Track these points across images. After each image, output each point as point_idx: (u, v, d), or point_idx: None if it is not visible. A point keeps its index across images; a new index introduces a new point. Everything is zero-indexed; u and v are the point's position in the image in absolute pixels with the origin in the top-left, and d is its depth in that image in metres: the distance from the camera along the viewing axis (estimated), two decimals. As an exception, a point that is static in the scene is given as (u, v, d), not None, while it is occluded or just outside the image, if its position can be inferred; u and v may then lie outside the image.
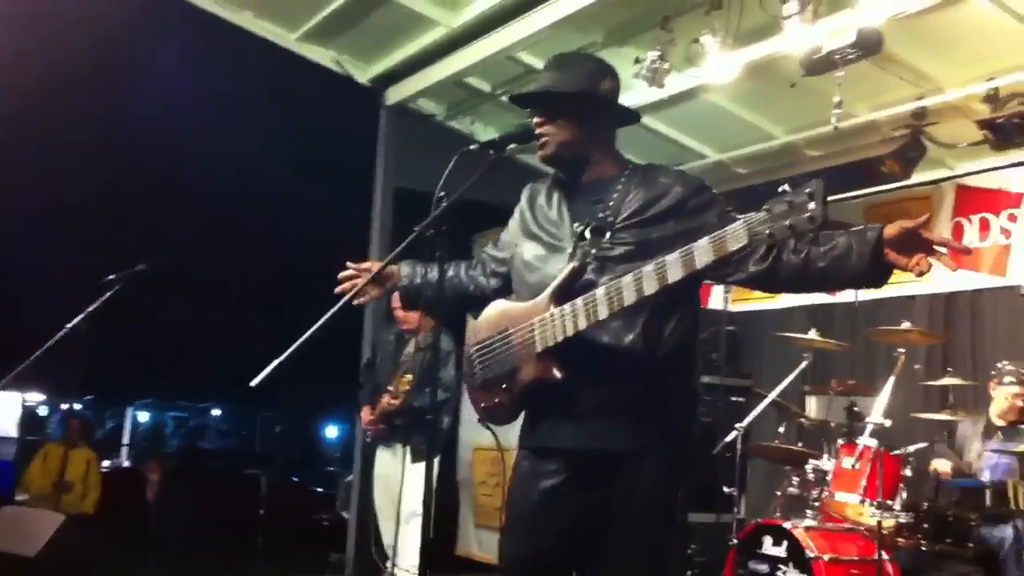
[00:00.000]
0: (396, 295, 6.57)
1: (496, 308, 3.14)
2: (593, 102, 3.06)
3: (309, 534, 10.31)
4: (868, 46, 5.68)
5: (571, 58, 3.26)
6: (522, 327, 2.95)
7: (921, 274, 2.68)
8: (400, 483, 6.40)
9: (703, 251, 2.62)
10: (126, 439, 25.56)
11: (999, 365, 6.09)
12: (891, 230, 2.66)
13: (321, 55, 8.28)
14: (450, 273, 3.32)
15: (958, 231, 7.19)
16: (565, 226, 3.04)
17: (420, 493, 6.17)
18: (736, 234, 2.56)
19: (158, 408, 28.23)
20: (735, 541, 5.89)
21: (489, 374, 3.04)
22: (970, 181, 7.20)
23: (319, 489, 17.27)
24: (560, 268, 2.95)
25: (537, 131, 3.06)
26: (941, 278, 7.17)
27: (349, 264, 3.42)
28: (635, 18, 6.63)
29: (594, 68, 3.13)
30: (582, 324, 2.81)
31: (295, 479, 17.16)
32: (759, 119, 7.72)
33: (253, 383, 2.82)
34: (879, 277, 2.71)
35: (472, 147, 3.19)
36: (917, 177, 7.07)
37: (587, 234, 2.97)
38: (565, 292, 2.89)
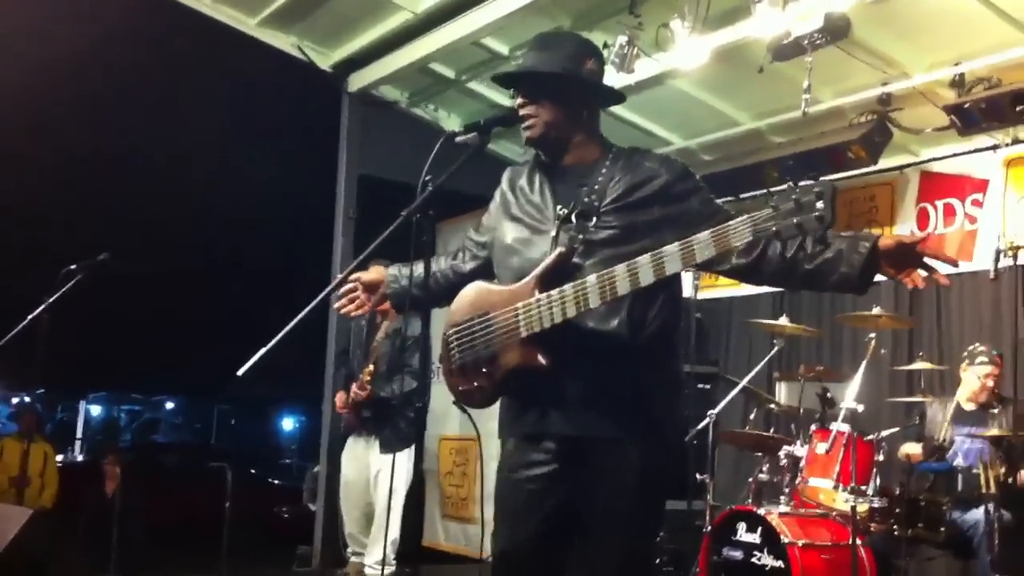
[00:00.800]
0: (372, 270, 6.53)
1: (475, 290, 3.08)
2: (578, 82, 3.02)
3: (275, 527, 10.23)
4: (836, 31, 5.69)
5: (555, 37, 3.22)
6: (505, 311, 2.89)
7: (914, 285, 2.70)
8: (372, 474, 6.35)
9: (704, 245, 2.59)
10: (79, 433, 25.22)
11: (971, 347, 6.13)
12: (886, 243, 2.67)
13: (281, 41, 8.15)
14: (433, 268, 3.25)
15: (923, 217, 7.23)
16: (548, 209, 2.99)
17: (392, 484, 6.18)
18: (740, 230, 2.53)
19: (111, 401, 27.86)
20: (709, 528, 5.88)
21: (468, 357, 2.98)
22: (934, 167, 7.24)
23: (276, 482, 17.18)
24: (543, 251, 2.91)
25: (521, 112, 3.01)
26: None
27: (338, 276, 3.38)
28: (602, 2, 6.60)
29: (578, 48, 3.09)
30: (571, 312, 2.77)
31: (253, 472, 17.03)
32: (725, 105, 7.72)
33: (240, 372, 2.78)
34: (864, 286, 2.73)
35: (457, 130, 3.12)
36: (882, 163, 7.09)
37: (573, 218, 2.92)
38: (551, 277, 2.84)
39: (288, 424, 30.56)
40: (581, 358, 2.83)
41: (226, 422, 29.47)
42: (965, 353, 6.14)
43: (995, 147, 6.79)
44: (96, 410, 27.62)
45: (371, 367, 6.24)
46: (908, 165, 7.38)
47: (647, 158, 3.01)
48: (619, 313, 2.82)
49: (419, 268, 3.17)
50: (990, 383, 5.97)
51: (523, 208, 3.06)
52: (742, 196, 7.55)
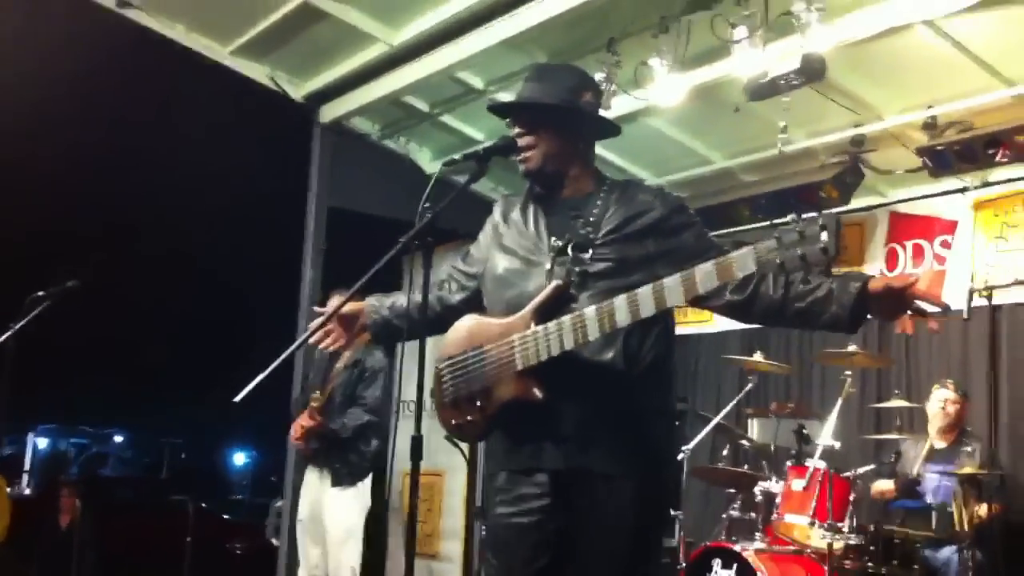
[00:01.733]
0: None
1: (469, 323, 3.06)
2: (576, 114, 3.03)
3: (230, 562, 10.03)
4: (812, 72, 5.74)
5: (554, 69, 3.25)
6: (500, 344, 2.87)
7: (903, 330, 2.74)
8: (323, 509, 6.24)
9: (706, 275, 2.60)
10: (27, 466, 24.65)
11: (935, 384, 6.25)
12: (876, 284, 2.69)
13: (255, 70, 8.09)
14: (415, 299, 3.21)
15: (892, 257, 7.33)
16: (543, 241, 2.98)
17: (345, 518, 6.10)
18: (743, 261, 2.54)
19: (59, 434, 27.27)
20: (683, 564, 5.86)
21: (461, 391, 2.96)
22: (904, 208, 7.35)
23: (226, 516, 16.89)
24: (538, 284, 2.90)
25: (519, 142, 3.01)
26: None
27: (316, 309, 3.35)
28: (580, 40, 6.60)
29: (577, 80, 3.11)
30: (568, 344, 2.76)
31: (204, 506, 16.74)
32: (698, 144, 7.77)
33: (237, 399, 2.72)
34: (855, 326, 2.75)
35: (456, 157, 3.11)
36: (851, 204, 7.18)
37: (568, 250, 2.91)
38: (547, 309, 2.83)
39: (240, 459, 30.08)
40: (576, 391, 2.81)
41: (176, 457, 28.96)
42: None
43: (964, 189, 6.91)
44: (43, 443, 27.04)
45: (318, 395, 6.12)
46: (878, 206, 7.48)
47: (642, 191, 3.03)
48: (614, 345, 2.81)
49: (401, 299, 3.15)
50: (950, 409, 6.06)
51: (516, 240, 3.05)
52: (711, 234, 7.59)
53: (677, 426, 3.11)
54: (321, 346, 3.37)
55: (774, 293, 2.78)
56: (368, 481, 6.30)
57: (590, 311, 2.73)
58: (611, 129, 3.24)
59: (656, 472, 2.90)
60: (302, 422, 6.15)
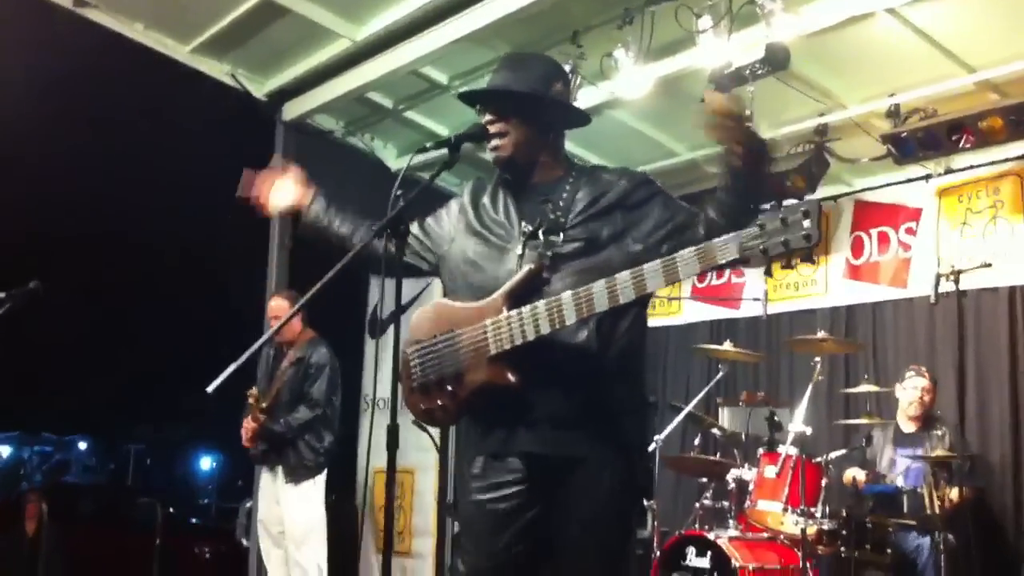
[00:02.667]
0: (271, 305, 6.39)
1: (437, 307, 3.04)
2: (546, 103, 3.03)
3: (199, 567, 9.94)
4: (776, 62, 5.76)
5: (526, 58, 3.24)
6: (472, 328, 2.86)
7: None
8: (279, 506, 6.21)
9: (688, 262, 2.60)
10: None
11: (906, 370, 6.28)
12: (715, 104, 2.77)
13: (215, 69, 8.00)
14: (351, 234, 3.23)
15: (858, 245, 7.39)
16: (514, 226, 2.98)
17: (302, 516, 6.07)
18: (725, 248, 2.54)
19: (21, 442, 26.96)
20: (658, 554, 5.86)
21: (431, 376, 2.93)
22: (868, 196, 7.42)
23: (196, 521, 16.78)
24: (508, 268, 2.90)
25: (490, 130, 3.00)
26: (842, 292, 7.37)
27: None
28: (544, 33, 6.58)
29: (548, 69, 3.12)
30: (545, 329, 2.75)
31: (171, 511, 16.61)
32: (662, 136, 7.79)
33: (209, 389, 2.69)
34: (756, 166, 2.76)
35: (428, 145, 3.08)
36: (816, 193, 7.21)
37: (540, 234, 2.91)
38: (520, 294, 2.82)
39: (206, 464, 29.89)
40: (548, 373, 2.80)
41: (142, 463, 28.73)
42: (901, 377, 6.30)
43: (927, 177, 6.98)
44: (5, 451, 26.73)
45: (256, 392, 6.10)
46: (843, 195, 7.55)
47: (607, 171, 3.07)
48: (587, 327, 2.81)
49: (344, 226, 3.16)
50: (926, 397, 6.12)
51: (485, 224, 3.05)
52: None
53: (650, 414, 3.09)
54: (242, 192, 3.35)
55: (719, 218, 2.79)
56: (323, 477, 6.27)
57: (567, 296, 2.71)
58: (581, 118, 3.24)
59: (629, 457, 2.89)
60: (246, 424, 6.14)
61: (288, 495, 6.14)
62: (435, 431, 3.04)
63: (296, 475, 6.10)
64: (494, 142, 3.00)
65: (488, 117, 3.02)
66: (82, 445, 28.89)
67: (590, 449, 2.81)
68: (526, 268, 2.84)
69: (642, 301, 2.88)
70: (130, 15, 7.52)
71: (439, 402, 2.92)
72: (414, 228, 3.22)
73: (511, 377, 2.78)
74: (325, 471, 6.27)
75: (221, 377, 2.74)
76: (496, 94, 3.05)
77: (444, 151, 3.01)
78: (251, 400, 6.07)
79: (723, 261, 2.57)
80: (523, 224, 2.96)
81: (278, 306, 6.28)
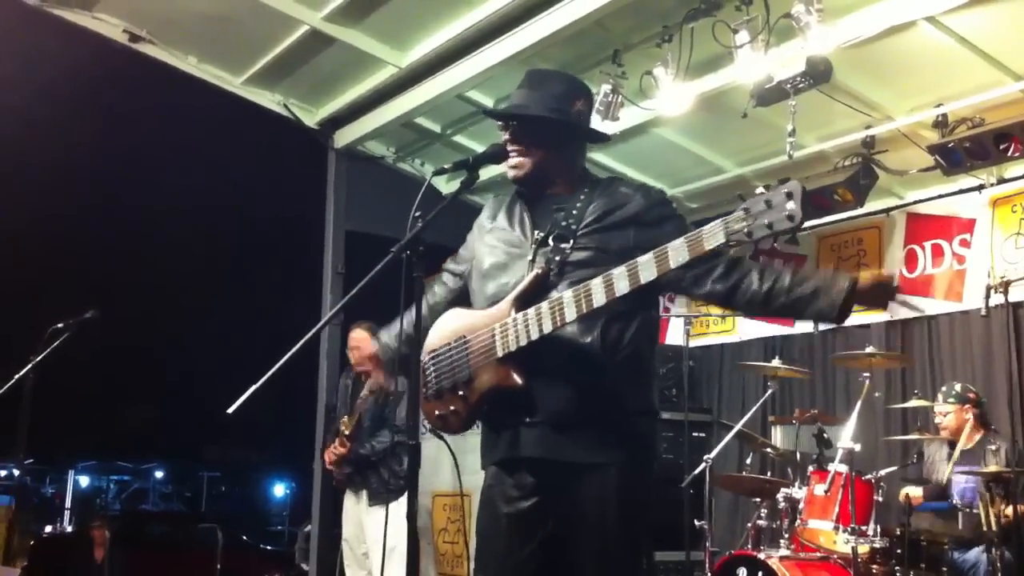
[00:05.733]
0: (352, 335, 6.52)
1: (452, 316, 3.10)
2: (564, 123, 3.05)
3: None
4: (817, 74, 5.73)
5: (546, 76, 3.25)
6: (481, 333, 2.90)
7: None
8: (363, 530, 6.31)
9: (678, 250, 2.59)
10: (68, 503, 24.88)
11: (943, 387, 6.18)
12: (865, 279, 2.76)
13: (267, 99, 8.17)
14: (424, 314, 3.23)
15: (911, 258, 7.27)
16: (527, 235, 3.03)
17: (381, 538, 6.11)
18: (713, 233, 2.54)
19: (99, 471, 27.52)
20: (709, 574, 5.79)
21: (445, 382, 2.98)
22: (921, 208, 7.29)
23: (268, 547, 16.97)
24: (520, 275, 2.94)
25: (508, 149, 3.04)
26: (897, 306, 7.26)
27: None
28: (585, 53, 6.62)
29: (567, 88, 3.14)
30: (547, 327, 2.78)
31: (244, 538, 16.82)
32: (709, 153, 7.77)
33: (230, 410, 2.74)
34: (842, 319, 2.79)
35: (446, 166, 3.13)
36: (868, 206, 7.13)
37: (550, 241, 2.95)
38: (527, 298, 2.86)
39: (279, 490, 30.19)
40: (554, 376, 2.83)
41: (216, 489, 29.12)
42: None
43: (980, 187, 6.85)
44: (85, 481, 27.28)
45: (346, 420, 6.25)
46: (894, 207, 7.44)
47: (624, 184, 3.08)
48: (593, 331, 2.83)
49: (405, 323, 3.14)
50: (946, 422, 6.02)
51: (501, 236, 3.10)
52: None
53: (656, 423, 3.06)
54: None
55: (759, 287, 2.79)
56: (404, 499, 6.34)
57: (567, 293, 2.75)
58: (599, 137, 3.29)
59: (634, 464, 2.87)
60: (333, 449, 6.29)
61: (372, 518, 6.26)
62: (452, 439, 3.05)
63: (378, 497, 6.24)
64: (512, 161, 3.04)
65: (506, 136, 3.06)
66: (158, 473, 29.40)
67: (591, 453, 2.82)
68: (532, 273, 2.89)
69: (646, 303, 2.91)
70: (183, 49, 7.72)
71: (452, 407, 2.97)
72: (449, 263, 3.31)
73: (517, 379, 2.82)
74: (406, 494, 6.35)
75: (241, 399, 2.80)
76: (517, 117, 3.08)
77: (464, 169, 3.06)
78: (342, 427, 6.23)
79: (710, 247, 2.55)
80: (536, 232, 3.00)
81: (359, 337, 6.40)
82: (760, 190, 2.48)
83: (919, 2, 5.31)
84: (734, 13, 5.67)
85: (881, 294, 2.78)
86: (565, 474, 2.82)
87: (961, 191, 7.00)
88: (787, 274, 2.78)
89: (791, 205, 2.42)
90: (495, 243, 3.09)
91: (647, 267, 2.63)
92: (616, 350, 2.84)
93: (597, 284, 2.69)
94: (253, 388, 2.79)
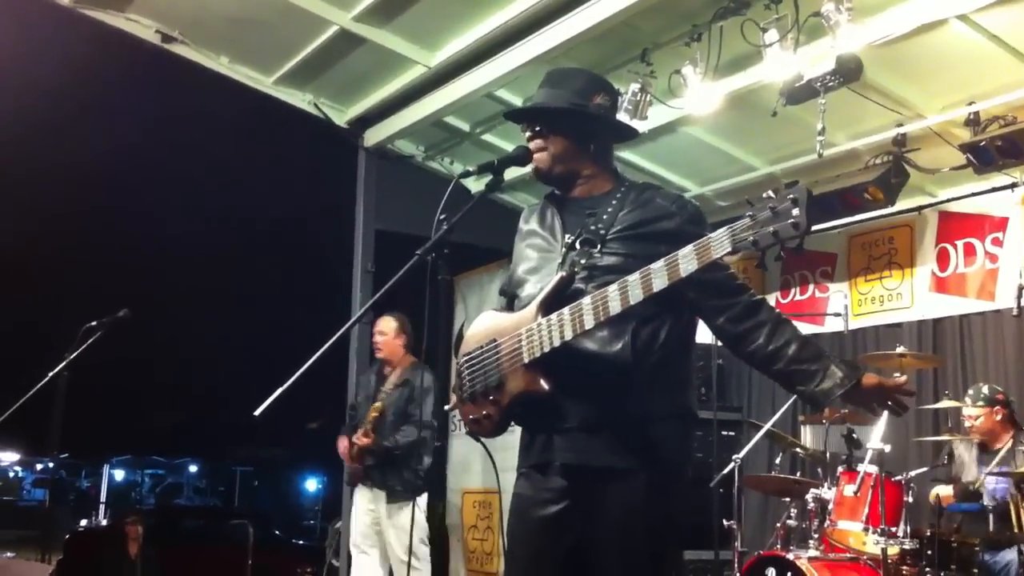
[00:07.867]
0: (379, 323, 6.58)
1: (485, 319, 3.12)
2: (584, 117, 3.05)
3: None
4: (848, 72, 5.68)
5: (565, 74, 3.25)
6: (510, 337, 2.91)
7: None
8: (384, 528, 6.31)
9: (687, 258, 2.59)
10: (103, 497, 25.20)
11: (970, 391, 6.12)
12: (869, 382, 2.82)
13: (297, 98, 8.24)
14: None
15: (943, 257, 7.20)
16: (558, 239, 3.04)
17: (407, 537, 6.15)
18: (719, 241, 2.53)
19: (134, 466, 27.84)
20: (738, 575, 5.78)
21: (478, 386, 2.99)
22: (953, 207, 7.22)
23: (300, 542, 17.08)
24: (550, 279, 2.92)
25: (530, 146, 3.06)
26: (929, 305, 7.20)
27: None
28: (613, 52, 6.62)
29: (587, 83, 3.13)
30: (568, 334, 2.78)
31: (276, 533, 16.95)
32: (739, 151, 7.73)
33: (256, 413, 2.77)
34: (828, 406, 2.87)
35: (471, 168, 3.15)
36: (899, 205, 7.04)
37: (578, 244, 2.96)
38: (553, 302, 2.86)
39: (312, 485, 30.41)
40: (584, 383, 2.83)
41: (249, 484, 29.39)
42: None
43: (1013, 185, 6.77)
44: (120, 475, 27.60)
45: (373, 412, 6.25)
46: (926, 206, 7.37)
47: (660, 195, 3.04)
48: (623, 337, 2.82)
49: None
50: (975, 425, 5.96)
51: (533, 241, 3.12)
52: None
53: (691, 427, 3.05)
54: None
55: (767, 344, 2.84)
56: (424, 498, 6.36)
57: (586, 300, 2.75)
58: (626, 131, 3.28)
59: (664, 469, 2.86)
60: (356, 440, 6.29)
61: (393, 518, 6.28)
62: (490, 443, 3.07)
63: (398, 495, 6.24)
64: (534, 156, 3.05)
65: (528, 133, 3.08)
66: (192, 468, 29.71)
67: (620, 459, 2.81)
68: (557, 276, 2.89)
69: (676, 306, 2.88)
70: (215, 49, 7.80)
71: (484, 411, 2.97)
72: (502, 285, 3.31)
73: (544, 384, 2.82)
74: (426, 493, 6.38)
75: (268, 401, 2.82)
76: (534, 111, 3.10)
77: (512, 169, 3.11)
78: (370, 415, 6.26)
79: (718, 254, 2.54)
80: (566, 236, 3.01)
81: (385, 323, 6.52)
82: (767, 194, 2.47)
83: (947, 0, 5.26)
84: (763, 12, 5.65)
85: (882, 399, 2.87)
86: (594, 479, 2.82)
87: (994, 189, 6.92)
88: (796, 343, 2.82)
89: (796, 212, 2.40)
90: (528, 248, 3.11)
91: (659, 275, 2.62)
92: (647, 354, 2.83)
93: (613, 291, 2.69)
94: (280, 390, 2.81)
